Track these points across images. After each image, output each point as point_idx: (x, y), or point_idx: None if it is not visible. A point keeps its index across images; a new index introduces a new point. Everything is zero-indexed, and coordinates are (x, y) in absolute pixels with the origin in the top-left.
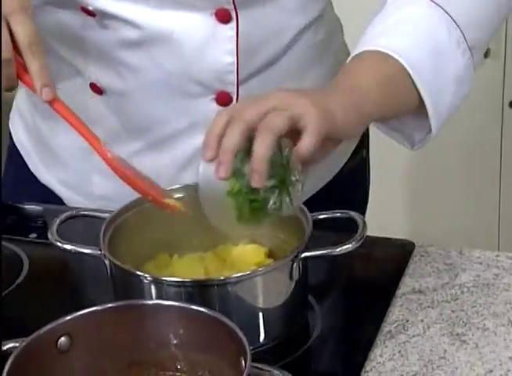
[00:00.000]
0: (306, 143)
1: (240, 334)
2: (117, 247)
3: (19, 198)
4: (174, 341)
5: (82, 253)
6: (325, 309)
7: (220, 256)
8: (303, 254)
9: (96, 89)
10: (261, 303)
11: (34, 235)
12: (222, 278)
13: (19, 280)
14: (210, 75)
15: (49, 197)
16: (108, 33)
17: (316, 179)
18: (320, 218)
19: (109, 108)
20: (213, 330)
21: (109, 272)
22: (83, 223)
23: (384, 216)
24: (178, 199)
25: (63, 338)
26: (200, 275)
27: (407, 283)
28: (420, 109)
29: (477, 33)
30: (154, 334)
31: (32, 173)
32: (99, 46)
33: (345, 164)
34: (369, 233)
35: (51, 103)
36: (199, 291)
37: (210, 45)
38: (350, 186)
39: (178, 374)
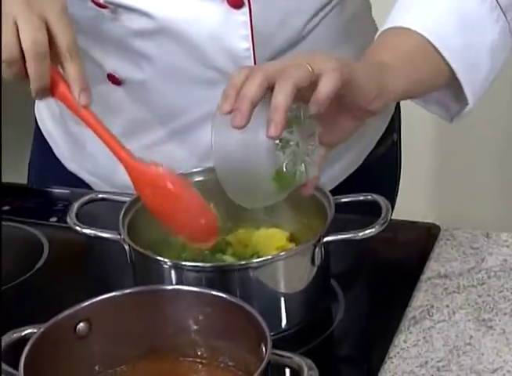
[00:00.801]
0: (326, 86)
1: (261, 319)
2: (137, 232)
3: (46, 183)
4: (194, 327)
5: (102, 238)
6: (348, 294)
7: (241, 240)
8: (325, 239)
9: (115, 80)
10: (282, 288)
11: (54, 219)
12: (243, 263)
13: (38, 265)
14: (227, 62)
15: (77, 183)
16: (121, 24)
17: (345, 164)
18: (343, 202)
19: (128, 98)
20: (233, 315)
21: (128, 257)
22: (105, 207)
23: (409, 199)
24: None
25: (81, 324)
26: (220, 259)
27: (432, 267)
28: (454, 80)
29: None
30: (173, 320)
31: (59, 160)
32: (113, 37)
33: (375, 148)
34: (394, 215)
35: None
36: (219, 276)
37: (224, 31)
38: (380, 171)
39: (198, 360)
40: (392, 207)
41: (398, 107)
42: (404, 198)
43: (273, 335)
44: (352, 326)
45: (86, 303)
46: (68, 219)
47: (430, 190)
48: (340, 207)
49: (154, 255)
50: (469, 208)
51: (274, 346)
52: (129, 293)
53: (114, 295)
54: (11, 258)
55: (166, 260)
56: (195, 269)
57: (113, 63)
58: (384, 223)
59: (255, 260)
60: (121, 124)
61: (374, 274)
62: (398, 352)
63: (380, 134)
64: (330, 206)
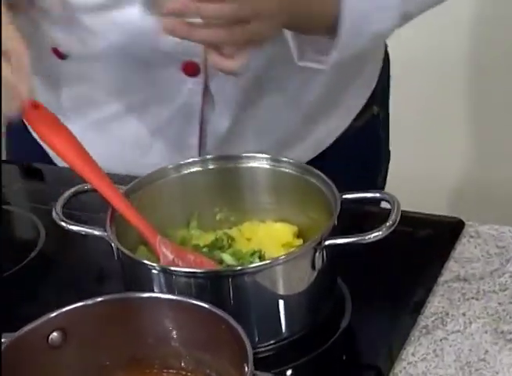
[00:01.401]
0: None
1: (244, 336)
2: (127, 227)
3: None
4: (175, 337)
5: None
6: (356, 298)
7: (245, 234)
8: (326, 242)
9: (58, 54)
10: (280, 294)
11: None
12: (239, 268)
13: (33, 254)
14: (175, 46)
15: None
16: None
17: (327, 129)
18: (349, 198)
19: (74, 73)
20: (215, 327)
21: (116, 256)
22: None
23: (429, 188)
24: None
25: (54, 333)
26: (217, 258)
27: (451, 268)
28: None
29: None
30: (152, 329)
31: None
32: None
33: (355, 120)
34: (412, 207)
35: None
36: (211, 282)
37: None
38: (362, 143)
39: (180, 372)
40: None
41: (380, 81)
42: (424, 187)
43: (273, 343)
44: (357, 335)
45: (60, 311)
46: (53, 214)
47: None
48: (348, 202)
49: (141, 259)
50: (496, 201)
51: (269, 357)
52: (104, 301)
53: (90, 303)
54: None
55: (154, 264)
56: (185, 274)
57: (57, 36)
58: (392, 225)
59: (250, 266)
60: (69, 98)
61: (386, 275)
62: (405, 368)
63: (359, 106)
64: (336, 205)
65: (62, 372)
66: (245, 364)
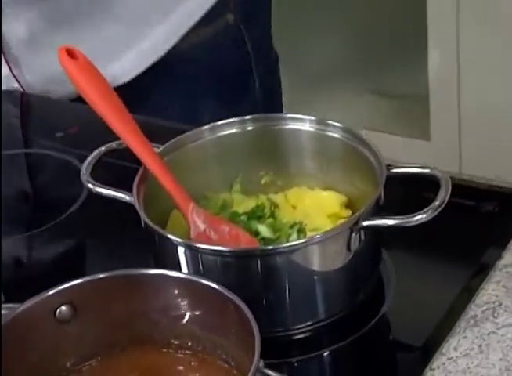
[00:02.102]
0: None
1: (252, 320)
2: (159, 191)
3: None
4: (190, 318)
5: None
6: (401, 278)
7: (291, 201)
8: (364, 223)
9: None
10: (313, 275)
11: None
12: (269, 248)
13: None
14: None
15: None
16: None
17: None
18: (396, 173)
19: None
20: (225, 309)
21: (143, 224)
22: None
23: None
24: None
25: (63, 307)
26: (253, 229)
27: None
28: None
29: None
30: (166, 308)
31: None
32: None
33: (209, 23)
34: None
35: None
36: (239, 261)
37: None
38: (221, 49)
39: (199, 354)
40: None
41: None
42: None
43: (309, 325)
44: (396, 322)
45: (67, 285)
46: (81, 174)
47: None
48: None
49: (166, 233)
50: None
51: (309, 338)
52: (112, 276)
53: (97, 278)
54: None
55: (179, 240)
56: (211, 252)
57: None
58: (439, 206)
59: (280, 246)
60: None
61: (437, 254)
62: (444, 364)
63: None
64: (381, 180)
65: (70, 348)
66: (251, 354)
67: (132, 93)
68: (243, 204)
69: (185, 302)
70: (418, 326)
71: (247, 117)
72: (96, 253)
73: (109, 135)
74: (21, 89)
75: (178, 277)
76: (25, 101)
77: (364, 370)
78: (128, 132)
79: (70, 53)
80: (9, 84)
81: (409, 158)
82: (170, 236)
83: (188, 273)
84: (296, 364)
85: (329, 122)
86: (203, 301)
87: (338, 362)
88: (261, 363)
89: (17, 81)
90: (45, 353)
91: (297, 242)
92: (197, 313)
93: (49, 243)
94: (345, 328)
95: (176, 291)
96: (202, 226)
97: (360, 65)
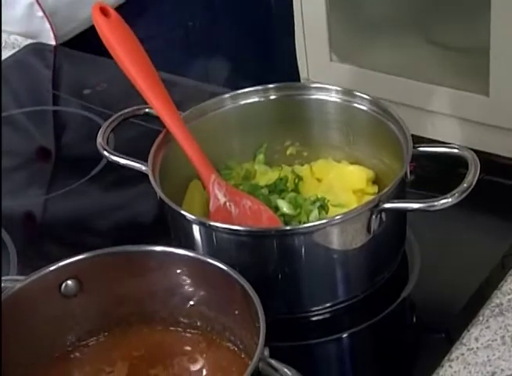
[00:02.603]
0: None
1: (257, 303)
2: (177, 161)
3: None
4: (198, 298)
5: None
6: (426, 259)
7: (316, 174)
8: (385, 206)
9: None
10: (332, 257)
11: None
12: (287, 228)
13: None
14: None
15: None
16: None
17: None
18: (422, 151)
19: None
20: (230, 289)
21: (158, 198)
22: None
23: None
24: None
25: (69, 282)
26: (273, 203)
27: None
28: None
29: None
30: (173, 286)
31: None
32: None
33: None
34: None
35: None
36: (255, 241)
37: None
38: None
39: (208, 335)
40: None
41: None
42: None
43: (329, 307)
44: (417, 306)
45: (72, 259)
46: (98, 140)
47: None
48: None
49: (179, 208)
50: None
51: (328, 320)
52: (121, 251)
53: (102, 253)
54: None
55: (193, 217)
56: (226, 231)
57: None
58: (467, 189)
59: (297, 227)
60: None
61: (465, 234)
62: (462, 355)
63: None
64: (407, 157)
65: (76, 322)
66: (255, 338)
67: None
68: (266, 176)
69: (193, 281)
70: (439, 313)
71: (271, 85)
72: (111, 222)
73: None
74: (54, 42)
75: (185, 255)
76: (57, 55)
77: (381, 355)
78: (154, 94)
79: (104, 11)
80: (43, 36)
81: (466, 113)
82: (184, 213)
83: (195, 252)
84: (315, 346)
85: (357, 93)
86: (210, 281)
87: (357, 345)
88: (266, 352)
89: (53, 33)
90: (50, 328)
91: (314, 223)
92: (205, 293)
93: (65, 206)
94: (365, 311)
95: (183, 270)
96: (222, 200)
97: (418, 13)
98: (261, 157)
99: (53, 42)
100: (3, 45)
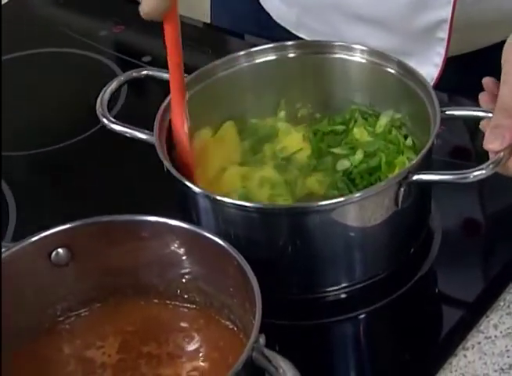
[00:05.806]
0: None
1: (254, 284)
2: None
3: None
4: (185, 269)
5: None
6: (446, 240)
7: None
8: (414, 178)
9: None
10: (351, 234)
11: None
12: (300, 206)
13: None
14: None
15: None
16: None
17: None
18: (450, 115)
19: None
20: (226, 264)
21: (165, 169)
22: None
23: None
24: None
25: (59, 250)
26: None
27: None
28: None
29: None
30: (169, 258)
31: None
32: None
33: None
34: None
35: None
36: (263, 218)
37: None
38: None
39: (207, 311)
40: None
41: None
42: None
43: (346, 287)
44: (432, 290)
45: (62, 227)
46: (97, 106)
47: None
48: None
49: (185, 180)
50: None
51: (345, 300)
52: (113, 221)
53: (94, 221)
54: None
55: (200, 190)
56: (232, 206)
57: None
58: (501, 160)
59: (317, 203)
60: None
61: (489, 214)
62: (479, 343)
63: None
64: (435, 126)
65: (68, 292)
66: (251, 318)
67: None
68: (290, 136)
69: (188, 254)
70: (458, 296)
71: (289, 42)
72: (113, 186)
73: (154, 38)
74: None
75: (178, 226)
76: None
77: (393, 335)
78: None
79: None
80: None
81: None
82: (190, 185)
83: (190, 223)
84: (333, 325)
85: (384, 54)
86: (206, 254)
87: (373, 323)
88: (262, 340)
89: None
90: (41, 296)
91: (337, 200)
92: (201, 267)
93: (67, 162)
94: (384, 288)
95: (178, 241)
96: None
97: None
98: (282, 113)
99: None
100: None
